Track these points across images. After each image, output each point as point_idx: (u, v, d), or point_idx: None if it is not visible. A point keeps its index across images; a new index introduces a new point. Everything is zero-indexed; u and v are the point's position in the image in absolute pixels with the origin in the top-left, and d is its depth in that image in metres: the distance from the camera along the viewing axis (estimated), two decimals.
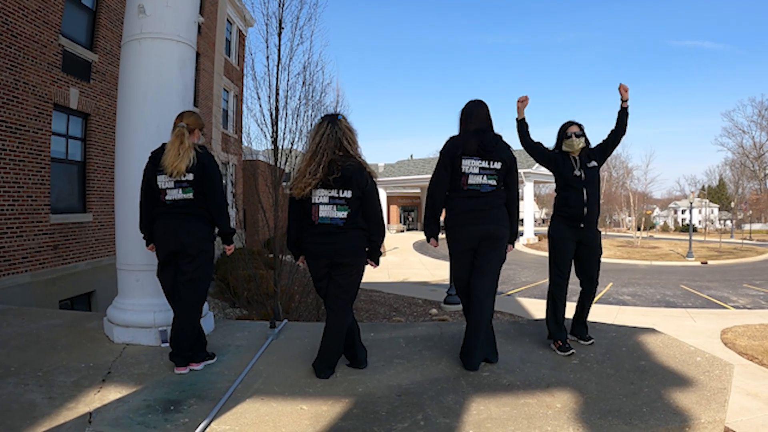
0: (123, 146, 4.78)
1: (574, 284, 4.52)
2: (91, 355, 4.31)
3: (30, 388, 3.59)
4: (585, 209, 4.38)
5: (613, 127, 4.56)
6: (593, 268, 4.57)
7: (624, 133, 4.55)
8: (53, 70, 9.70)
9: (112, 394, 3.55)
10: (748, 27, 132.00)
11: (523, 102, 4.55)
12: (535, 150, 4.66)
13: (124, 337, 4.63)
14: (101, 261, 11.17)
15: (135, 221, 4.21)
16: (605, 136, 4.61)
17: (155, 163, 4.00)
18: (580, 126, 4.50)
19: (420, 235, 48.35)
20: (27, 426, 3.06)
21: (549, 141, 4.73)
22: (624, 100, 4.45)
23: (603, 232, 5.41)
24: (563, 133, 4.50)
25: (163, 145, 4.02)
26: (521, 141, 4.69)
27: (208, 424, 3.10)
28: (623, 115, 4.50)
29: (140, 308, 4.65)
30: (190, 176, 3.94)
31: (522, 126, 4.63)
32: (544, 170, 38.95)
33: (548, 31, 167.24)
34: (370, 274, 5.89)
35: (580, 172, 4.42)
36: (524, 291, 19.35)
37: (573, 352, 4.31)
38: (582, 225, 4.43)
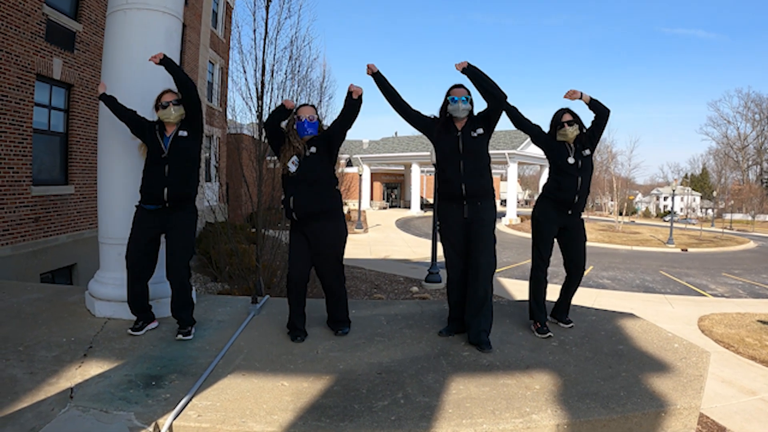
0: (107, 119, 4.70)
1: (555, 266, 4.55)
2: (73, 330, 4.27)
3: (11, 363, 3.55)
4: (576, 197, 4.39)
5: (593, 117, 4.50)
6: (580, 255, 4.59)
7: (606, 117, 4.46)
8: (36, 39, 9.49)
9: (93, 369, 3.53)
10: (740, 17, 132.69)
11: (571, 95, 4.36)
12: (531, 130, 4.58)
13: (106, 311, 4.60)
14: (83, 234, 11.07)
15: (117, 194, 4.17)
16: (590, 124, 4.54)
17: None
18: (572, 113, 4.45)
19: (403, 213, 48.43)
20: (8, 402, 3.03)
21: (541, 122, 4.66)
22: (581, 99, 4.37)
23: (585, 216, 5.51)
24: (557, 123, 4.46)
25: None
26: (513, 120, 4.54)
27: (190, 400, 3.11)
28: (594, 105, 4.42)
29: (122, 282, 4.58)
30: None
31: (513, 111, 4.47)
32: (528, 152, 38.96)
33: (539, 12, 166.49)
34: (352, 251, 5.89)
35: (575, 159, 4.40)
36: (506, 271, 19.54)
37: (550, 335, 4.36)
38: (570, 211, 4.45)
